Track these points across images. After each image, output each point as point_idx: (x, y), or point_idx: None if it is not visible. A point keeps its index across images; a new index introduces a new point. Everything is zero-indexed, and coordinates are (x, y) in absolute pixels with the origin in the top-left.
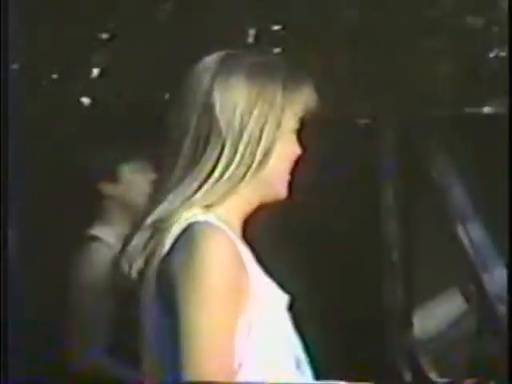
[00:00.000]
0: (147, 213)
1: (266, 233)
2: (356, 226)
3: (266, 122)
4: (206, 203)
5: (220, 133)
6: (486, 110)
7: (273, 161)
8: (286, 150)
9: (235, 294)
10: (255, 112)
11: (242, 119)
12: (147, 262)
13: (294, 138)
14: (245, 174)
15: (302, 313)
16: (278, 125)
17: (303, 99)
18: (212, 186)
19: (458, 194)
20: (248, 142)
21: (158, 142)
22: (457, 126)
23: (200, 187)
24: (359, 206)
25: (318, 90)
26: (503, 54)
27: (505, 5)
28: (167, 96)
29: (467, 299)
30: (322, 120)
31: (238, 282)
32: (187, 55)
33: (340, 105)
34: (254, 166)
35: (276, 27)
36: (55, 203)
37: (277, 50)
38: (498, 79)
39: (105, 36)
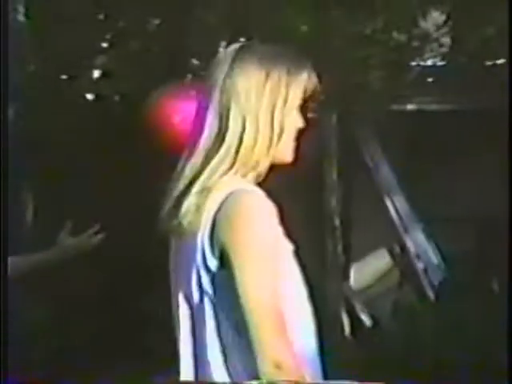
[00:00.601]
0: (186, 179)
1: None
2: (303, 198)
3: (276, 100)
4: (240, 173)
5: (240, 110)
6: (409, 107)
7: (284, 132)
8: (292, 123)
9: (277, 245)
10: (267, 91)
11: (256, 97)
12: (197, 218)
13: (297, 113)
14: (268, 147)
15: None
16: (285, 102)
17: (303, 82)
18: (242, 159)
19: (386, 173)
20: (265, 118)
21: None
22: (385, 120)
23: (233, 163)
24: (308, 182)
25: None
26: (422, 63)
27: (424, 24)
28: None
29: (393, 257)
30: None
31: (278, 235)
32: (170, 61)
33: None
34: (275, 138)
35: (243, 39)
36: None
37: None
38: (419, 83)
39: (105, 45)
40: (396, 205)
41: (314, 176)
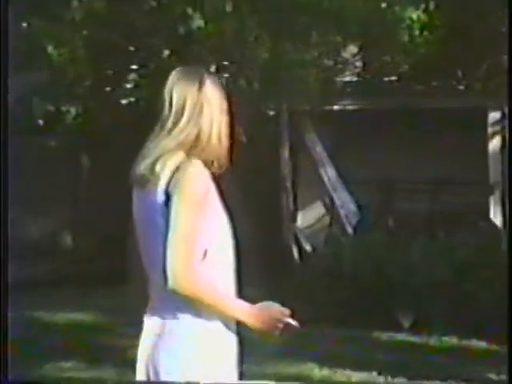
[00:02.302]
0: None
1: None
2: (267, 172)
3: (195, 106)
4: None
5: (175, 112)
6: (335, 107)
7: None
8: (217, 123)
9: (206, 200)
10: (188, 101)
11: (181, 105)
12: (155, 177)
13: (223, 118)
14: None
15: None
16: (201, 109)
17: (219, 97)
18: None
19: (321, 151)
20: (187, 120)
21: None
22: (320, 115)
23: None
24: (269, 158)
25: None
26: (343, 79)
27: (344, 53)
28: None
29: (325, 207)
30: (244, 111)
31: (207, 194)
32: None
33: (256, 102)
34: (202, 135)
35: (226, 63)
36: None
37: (226, 75)
38: (341, 92)
39: (134, 66)
40: (327, 172)
41: (273, 154)
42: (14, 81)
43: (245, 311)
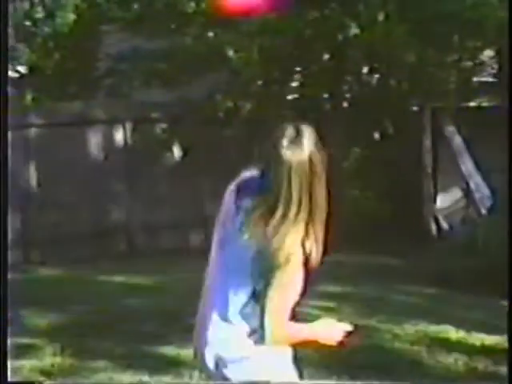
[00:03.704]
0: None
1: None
2: (412, 160)
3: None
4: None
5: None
6: (472, 104)
7: None
8: None
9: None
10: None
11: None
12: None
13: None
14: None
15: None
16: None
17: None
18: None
19: (461, 146)
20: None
21: None
22: (459, 112)
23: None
24: (414, 152)
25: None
26: (481, 79)
27: (482, 56)
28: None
29: (462, 191)
30: (392, 107)
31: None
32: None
33: (403, 99)
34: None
35: (377, 65)
36: None
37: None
38: (478, 90)
39: (299, 68)
40: (464, 160)
41: (416, 145)
42: (203, 80)
43: (315, 333)
